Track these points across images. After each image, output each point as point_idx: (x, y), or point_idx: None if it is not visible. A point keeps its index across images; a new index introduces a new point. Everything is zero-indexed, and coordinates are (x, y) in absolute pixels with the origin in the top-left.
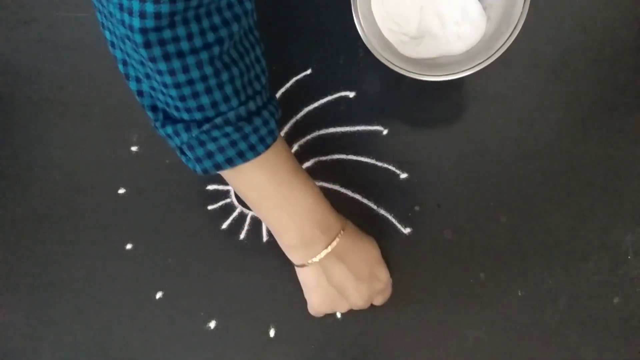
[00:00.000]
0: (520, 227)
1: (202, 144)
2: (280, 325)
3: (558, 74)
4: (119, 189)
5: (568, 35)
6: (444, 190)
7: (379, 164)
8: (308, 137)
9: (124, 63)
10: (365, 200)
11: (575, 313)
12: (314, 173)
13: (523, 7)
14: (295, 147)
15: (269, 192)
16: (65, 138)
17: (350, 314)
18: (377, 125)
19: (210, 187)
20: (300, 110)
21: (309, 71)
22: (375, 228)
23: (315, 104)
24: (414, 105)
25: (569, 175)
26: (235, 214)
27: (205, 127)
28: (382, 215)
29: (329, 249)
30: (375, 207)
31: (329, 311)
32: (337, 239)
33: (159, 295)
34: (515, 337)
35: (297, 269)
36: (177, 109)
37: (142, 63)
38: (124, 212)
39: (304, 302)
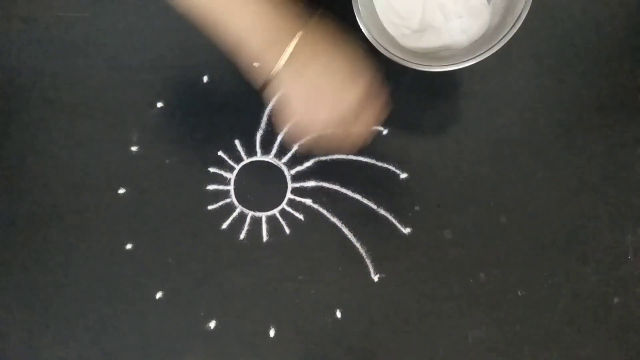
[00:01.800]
0: (520, 227)
1: None
2: (280, 325)
3: (558, 74)
4: (119, 189)
5: (568, 35)
6: (444, 190)
7: (379, 164)
8: (308, 137)
9: None
10: (365, 200)
11: (575, 313)
12: (314, 173)
13: (526, 1)
14: (295, 147)
15: (214, 3)
16: (65, 138)
17: (350, 314)
18: (377, 125)
19: (210, 187)
20: None
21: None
22: (375, 228)
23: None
24: (414, 106)
25: (569, 176)
26: (235, 214)
27: None
28: (382, 215)
29: (289, 48)
30: (375, 207)
31: (310, 121)
32: (296, 38)
33: (159, 295)
34: (515, 337)
35: (272, 83)
36: None
37: None
38: (124, 212)
39: (304, 302)
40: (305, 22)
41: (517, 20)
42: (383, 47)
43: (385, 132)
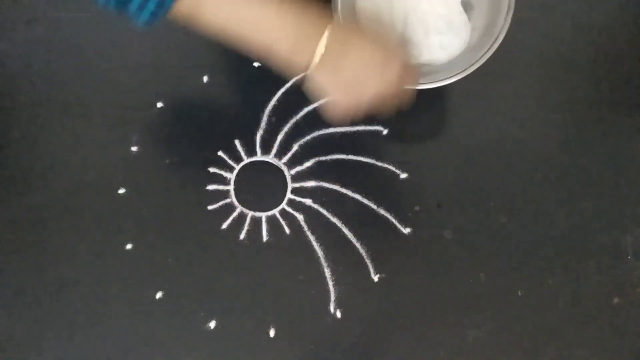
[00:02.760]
0: (520, 227)
1: None
2: (280, 325)
3: (558, 74)
4: (119, 189)
5: (568, 35)
6: (444, 190)
7: (379, 164)
8: (308, 137)
9: None
10: (365, 200)
11: (575, 313)
12: (314, 173)
13: (505, 20)
14: (295, 147)
15: (239, 16)
16: (65, 138)
17: (350, 314)
18: (377, 125)
19: (210, 187)
20: (300, 110)
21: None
22: (375, 228)
23: (315, 104)
24: (414, 106)
25: (569, 176)
26: (235, 214)
27: None
28: (382, 215)
29: (322, 44)
30: (375, 207)
31: (356, 106)
32: (327, 33)
33: (159, 295)
34: (515, 337)
35: (311, 79)
36: None
37: None
38: (124, 212)
39: (304, 302)
40: (330, 18)
41: (495, 41)
42: None
43: (385, 132)
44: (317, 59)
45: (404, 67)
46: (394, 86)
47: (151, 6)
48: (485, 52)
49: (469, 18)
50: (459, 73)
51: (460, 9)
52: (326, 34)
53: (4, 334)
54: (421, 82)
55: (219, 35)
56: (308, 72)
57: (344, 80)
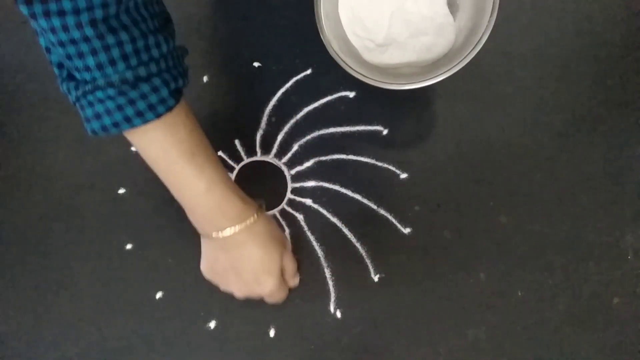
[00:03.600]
0: (520, 227)
1: (90, 104)
2: (280, 325)
3: (558, 74)
4: (119, 189)
5: (568, 35)
6: (444, 190)
7: (379, 164)
8: (308, 137)
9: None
10: (365, 200)
11: (575, 313)
12: (314, 173)
13: (489, 21)
14: (295, 147)
15: (162, 167)
16: (66, 138)
17: (350, 314)
18: (377, 125)
19: None
20: (300, 110)
21: (309, 71)
22: (375, 228)
23: (315, 104)
24: (414, 106)
25: (569, 176)
26: None
27: (89, 87)
28: (382, 215)
29: (214, 237)
30: (375, 207)
31: (214, 282)
32: (225, 232)
33: (159, 295)
34: (515, 337)
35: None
36: (73, 68)
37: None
38: (124, 212)
39: (304, 302)
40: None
41: (478, 42)
42: (343, 60)
43: (385, 132)
44: (204, 240)
45: (270, 294)
46: (251, 297)
47: (101, 123)
48: (469, 54)
49: (455, 19)
50: (441, 74)
51: (446, 10)
52: (224, 233)
53: (3, 334)
54: (404, 82)
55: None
56: (201, 234)
57: (216, 266)
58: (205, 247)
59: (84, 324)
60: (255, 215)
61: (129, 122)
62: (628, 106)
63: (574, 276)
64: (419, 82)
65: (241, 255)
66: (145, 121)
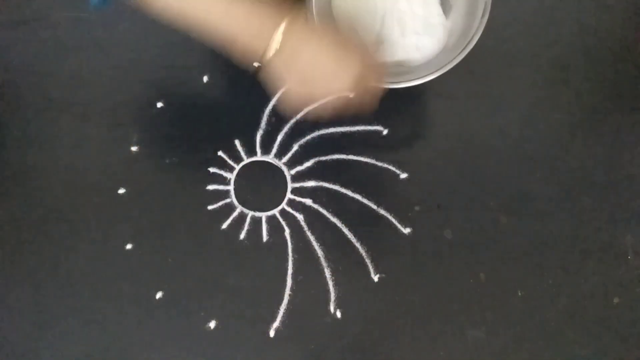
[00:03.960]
0: (520, 227)
1: None
2: (280, 325)
3: (558, 74)
4: (119, 189)
5: (568, 35)
6: (444, 190)
7: (379, 164)
8: (308, 137)
9: None
10: (365, 200)
11: (575, 313)
12: (314, 173)
13: (480, 22)
14: (295, 147)
15: (192, 2)
16: (66, 138)
17: (350, 314)
18: (377, 125)
19: (210, 187)
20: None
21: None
22: (375, 228)
23: (315, 104)
24: (414, 106)
25: (569, 175)
26: (235, 214)
27: None
28: (382, 215)
29: (278, 35)
30: (375, 207)
31: (309, 98)
32: (283, 25)
33: (159, 295)
34: (515, 337)
35: (266, 69)
36: None
37: None
38: (124, 212)
39: (304, 302)
40: (288, 12)
41: (468, 43)
42: None
43: (385, 132)
44: (272, 50)
45: (364, 69)
46: (350, 86)
47: None
48: (459, 54)
49: (447, 19)
50: (430, 74)
51: (439, 10)
52: (283, 26)
53: (3, 334)
54: (393, 81)
55: (175, 19)
56: (262, 61)
57: (297, 73)
58: (277, 71)
59: (84, 323)
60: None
61: None
62: (628, 106)
63: (574, 276)
64: (408, 81)
65: (313, 49)
66: None
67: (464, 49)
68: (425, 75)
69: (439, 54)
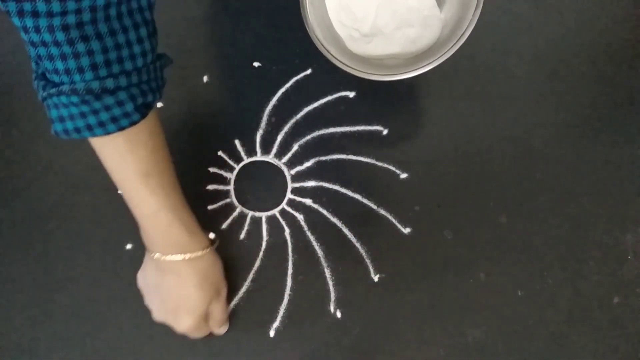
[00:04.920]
0: (520, 227)
1: (55, 106)
2: (280, 325)
3: (558, 74)
4: (119, 188)
5: (568, 35)
6: (444, 190)
7: (379, 164)
8: (308, 137)
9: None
10: (365, 200)
11: (575, 313)
12: (314, 173)
13: (473, 15)
14: (295, 147)
15: (116, 179)
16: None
17: (350, 314)
18: (377, 125)
19: (210, 187)
20: (300, 110)
21: (309, 71)
22: (375, 228)
23: (315, 104)
24: (414, 106)
25: (569, 175)
26: (235, 214)
27: (55, 90)
28: (382, 215)
29: (155, 257)
30: (375, 207)
31: (141, 293)
32: (165, 257)
33: None
34: (515, 337)
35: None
36: (44, 68)
37: None
38: (124, 212)
39: (304, 302)
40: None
41: (461, 36)
42: (325, 49)
43: (385, 132)
44: (147, 258)
45: (184, 331)
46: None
47: (64, 126)
48: (452, 47)
49: (441, 11)
50: (424, 66)
51: (434, 2)
52: (158, 258)
53: (3, 334)
54: (387, 73)
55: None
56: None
57: (147, 286)
58: (147, 258)
59: (84, 324)
60: (200, 253)
61: (90, 130)
62: (629, 106)
63: (574, 276)
64: (401, 73)
65: (171, 284)
66: (107, 132)
67: (457, 40)
68: (419, 68)
69: (433, 46)
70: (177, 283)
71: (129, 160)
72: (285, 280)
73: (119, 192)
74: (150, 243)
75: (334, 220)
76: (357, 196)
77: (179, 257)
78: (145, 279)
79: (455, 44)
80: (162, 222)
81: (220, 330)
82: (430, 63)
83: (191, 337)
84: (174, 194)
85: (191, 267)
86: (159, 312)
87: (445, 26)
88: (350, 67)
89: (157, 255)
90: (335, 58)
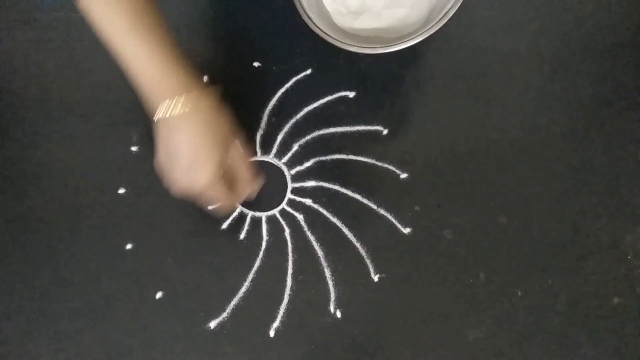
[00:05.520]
0: (520, 227)
1: None
2: (280, 325)
3: (558, 73)
4: (119, 189)
5: (568, 34)
6: (444, 190)
7: (379, 164)
8: (308, 137)
9: None
10: (365, 200)
11: (575, 313)
12: (314, 173)
13: None
14: (295, 147)
15: (108, 37)
16: (65, 138)
17: (350, 314)
18: (377, 125)
19: None
20: (300, 110)
21: (309, 71)
22: (375, 228)
23: (315, 104)
24: (414, 106)
25: (569, 175)
26: (235, 214)
27: None
28: (382, 215)
29: (160, 118)
30: (375, 207)
31: (169, 179)
32: (166, 104)
33: (159, 295)
34: (515, 337)
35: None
36: None
37: None
38: (124, 212)
39: (304, 302)
40: (198, 86)
41: (445, 14)
42: (308, 16)
43: (385, 132)
44: (160, 113)
45: (203, 188)
46: (188, 190)
47: None
48: (436, 23)
49: None
50: (407, 40)
51: None
52: (164, 110)
53: (3, 334)
54: (368, 46)
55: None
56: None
57: (164, 150)
58: (155, 136)
59: (84, 323)
60: (201, 92)
61: None
62: (629, 106)
63: (574, 276)
64: (384, 47)
65: (180, 140)
66: None
67: (440, 19)
68: (401, 43)
69: (420, 27)
70: (184, 137)
71: (116, 11)
72: (285, 280)
73: (115, 56)
74: (151, 95)
75: (334, 220)
76: (357, 196)
77: (178, 98)
78: (159, 155)
79: (440, 20)
80: (157, 65)
81: (247, 190)
82: (412, 39)
83: (219, 212)
84: (166, 38)
85: (195, 113)
86: (176, 180)
87: (434, 10)
88: (332, 37)
89: (160, 114)
90: (317, 27)
